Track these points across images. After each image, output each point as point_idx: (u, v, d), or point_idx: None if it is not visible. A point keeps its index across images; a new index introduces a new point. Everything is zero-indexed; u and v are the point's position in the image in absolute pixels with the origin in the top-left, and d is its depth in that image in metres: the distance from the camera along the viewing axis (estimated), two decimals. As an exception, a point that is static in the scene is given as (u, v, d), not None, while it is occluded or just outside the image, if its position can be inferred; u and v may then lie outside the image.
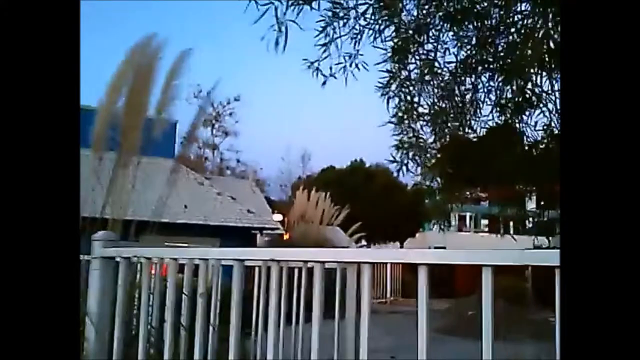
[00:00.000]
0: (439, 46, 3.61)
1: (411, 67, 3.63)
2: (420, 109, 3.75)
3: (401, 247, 33.25)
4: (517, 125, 3.78)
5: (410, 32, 3.52)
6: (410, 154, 3.67)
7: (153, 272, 2.51)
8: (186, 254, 2.36)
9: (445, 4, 3.49)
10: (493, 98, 3.77)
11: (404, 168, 3.66)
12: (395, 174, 3.93)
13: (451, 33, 3.58)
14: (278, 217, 20.74)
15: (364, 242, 29.25)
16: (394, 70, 3.61)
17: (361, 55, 3.58)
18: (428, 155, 3.80)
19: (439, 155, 3.79)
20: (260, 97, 47.41)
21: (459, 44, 3.63)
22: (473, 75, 3.75)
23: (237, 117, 37.49)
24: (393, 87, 3.58)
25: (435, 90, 3.68)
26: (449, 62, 3.66)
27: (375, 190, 27.82)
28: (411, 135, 3.70)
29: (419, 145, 3.70)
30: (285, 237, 18.72)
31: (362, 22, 3.52)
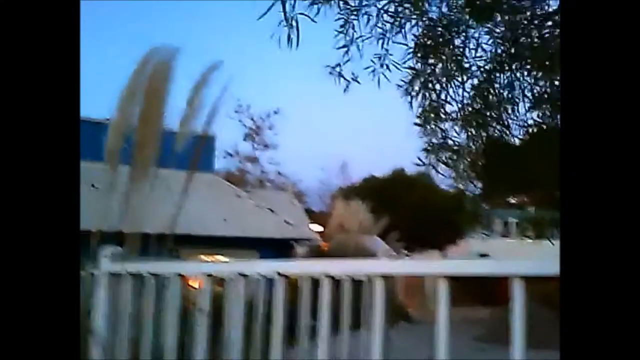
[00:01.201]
0: (469, 42, 3.41)
1: (438, 64, 3.43)
2: (449, 108, 3.56)
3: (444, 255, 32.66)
4: (556, 122, 3.54)
5: (438, 28, 3.33)
6: (442, 156, 3.47)
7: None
8: (192, 269, 2.24)
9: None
10: (529, 95, 3.54)
11: (434, 171, 3.47)
12: (437, 182, 3.73)
13: (482, 28, 3.37)
14: (317, 227, 20.66)
15: (404, 251, 28.87)
16: (417, 68, 3.42)
17: (391, 55, 3.41)
18: (463, 158, 3.59)
19: (473, 159, 3.57)
20: (299, 109, 47.53)
21: (490, 39, 3.42)
22: (507, 72, 3.53)
23: (277, 130, 37.68)
24: (417, 86, 3.39)
25: (466, 88, 3.47)
26: (479, 57, 3.45)
27: (416, 198, 27.42)
28: (440, 136, 3.50)
29: (449, 147, 3.50)
30: (325, 246, 18.59)
31: (386, 17, 3.34)
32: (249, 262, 2.09)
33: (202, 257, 14.40)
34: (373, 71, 3.46)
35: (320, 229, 20.27)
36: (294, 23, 3.12)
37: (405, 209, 26.40)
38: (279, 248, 14.16)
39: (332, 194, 33.43)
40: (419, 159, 3.44)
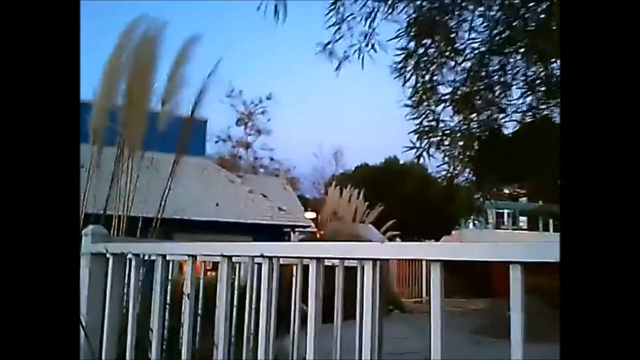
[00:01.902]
0: (463, 24, 3.30)
1: (431, 44, 3.31)
2: (441, 90, 3.44)
3: (437, 245, 32.66)
4: (550, 109, 3.45)
5: (432, 9, 3.22)
6: (433, 140, 3.36)
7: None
8: (174, 250, 2.15)
9: None
10: (523, 80, 3.43)
11: (425, 154, 3.35)
12: (430, 169, 3.61)
13: (476, 11, 3.26)
14: (311, 214, 20.62)
15: (398, 240, 28.88)
16: (410, 48, 3.31)
17: (377, 34, 3.31)
18: (455, 142, 3.47)
19: (465, 143, 3.47)
20: (291, 95, 47.29)
21: (484, 22, 3.31)
22: (501, 55, 3.42)
23: (270, 115, 37.58)
24: (409, 67, 3.28)
25: (458, 71, 3.36)
26: (474, 39, 3.34)
27: (410, 187, 27.41)
28: (431, 118, 3.39)
29: (441, 130, 3.38)
30: (318, 235, 18.55)
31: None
32: (234, 244, 1.99)
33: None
34: (359, 49, 3.35)
35: (313, 216, 20.23)
36: None
37: (399, 198, 26.40)
38: (273, 234, 14.10)
39: (326, 181, 33.47)
40: (411, 142, 3.33)
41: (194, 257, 2.10)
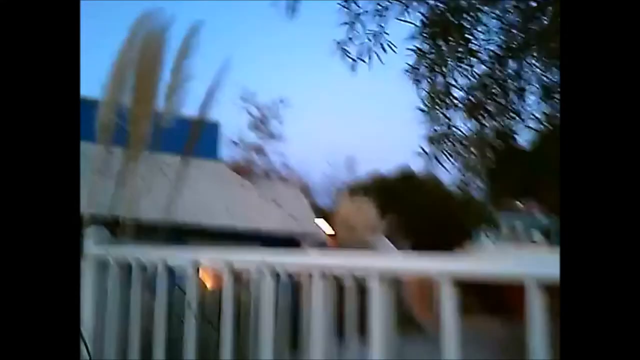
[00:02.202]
0: (477, 26, 3.17)
1: (444, 45, 3.19)
2: (454, 95, 3.31)
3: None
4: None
5: (446, 11, 3.10)
6: (446, 147, 3.23)
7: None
8: (173, 256, 2.05)
9: None
10: (539, 86, 3.30)
11: (435, 161, 3.22)
12: (442, 178, 3.47)
13: (491, 13, 3.14)
14: (322, 223, 20.48)
15: (411, 252, 28.63)
16: (423, 50, 3.18)
17: (387, 33, 3.19)
18: (468, 149, 3.33)
19: (479, 151, 3.33)
20: (305, 98, 47.21)
21: (500, 26, 3.18)
22: (516, 60, 3.29)
23: (282, 119, 37.52)
24: (422, 69, 3.16)
25: (473, 74, 3.23)
26: (487, 40, 3.21)
27: (423, 197, 27.18)
28: (444, 124, 3.26)
29: (454, 137, 3.25)
30: (328, 244, 18.40)
31: None
32: (238, 251, 1.89)
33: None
34: (368, 49, 3.24)
35: (325, 224, 20.11)
36: None
37: (412, 209, 26.17)
38: (283, 242, 13.98)
39: (338, 190, 33.31)
40: (422, 148, 3.20)
41: (197, 264, 2.00)
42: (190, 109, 3.93)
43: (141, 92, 3.63)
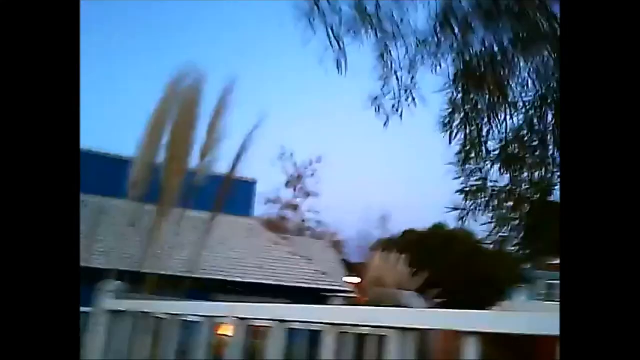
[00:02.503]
0: (514, 77, 3.14)
1: (479, 96, 3.14)
2: (489, 147, 3.24)
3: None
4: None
5: (480, 60, 3.08)
6: (480, 201, 3.12)
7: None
8: (189, 310, 2.01)
9: (520, 29, 3.03)
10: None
11: (469, 217, 3.11)
12: (477, 235, 3.34)
13: (529, 63, 3.10)
14: (353, 279, 20.20)
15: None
16: (457, 102, 3.14)
17: (419, 88, 3.16)
18: (502, 203, 3.23)
19: (515, 206, 3.23)
20: (341, 156, 47.54)
21: (537, 76, 3.14)
22: (554, 111, 3.22)
23: (319, 178, 37.88)
24: (456, 121, 3.11)
25: (509, 125, 3.16)
26: (524, 90, 3.15)
27: (456, 254, 26.66)
28: (478, 177, 3.17)
29: (488, 191, 3.15)
30: (361, 300, 18.07)
31: (420, 47, 3.11)
32: (248, 306, 1.85)
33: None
34: (398, 102, 3.21)
35: (356, 281, 19.83)
36: (341, 46, 2.90)
37: (445, 265, 25.66)
38: (313, 298, 13.79)
39: (371, 246, 32.99)
40: (454, 205, 3.10)
41: (212, 319, 1.95)
42: (223, 166, 3.97)
43: (175, 150, 3.67)
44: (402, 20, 3.04)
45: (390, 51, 3.09)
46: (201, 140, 3.78)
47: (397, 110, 3.18)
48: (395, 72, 3.13)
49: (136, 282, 2.98)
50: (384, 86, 3.17)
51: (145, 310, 2.26)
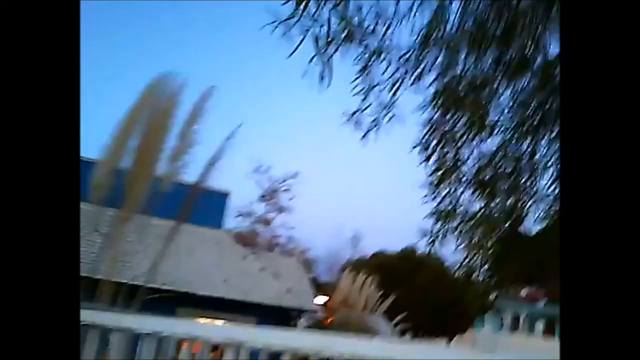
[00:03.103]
0: (492, 102, 3.09)
1: (458, 118, 3.08)
2: (464, 171, 3.17)
3: (449, 344, 31.52)
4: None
5: (461, 82, 3.03)
6: (450, 225, 3.05)
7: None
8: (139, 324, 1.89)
9: (503, 55, 2.99)
10: (553, 168, 3.18)
11: (438, 242, 3.02)
12: (447, 261, 3.23)
13: (507, 89, 3.07)
14: (321, 299, 20.03)
15: (409, 336, 27.84)
16: (434, 122, 3.07)
17: (397, 106, 3.09)
18: (472, 230, 3.16)
19: (485, 232, 3.16)
20: (318, 173, 47.53)
21: (516, 101, 3.10)
22: (530, 138, 3.18)
23: (294, 193, 37.64)
24: (433, 142, 3.04)
25: (483, 150, 3.11)
26: (502, 116, 3.10)
27: (426, 279, 26.72)
28: (449, 202, 3.09)
29: (460, 215, 3.07)
30: (327, 321, 17.92)
31: (402, 68, 3.05)
32: (197, 324, 1.73)
33: (199, 319, 13.86)
34: (374, 121, 3.13)
35: (324, 300, 19.68)
36: (326, 60, 2.81)
37: (414, 290, 25.68)
38: (279, 317, 13.59)
39: (341, 266, 32.87)
40: (423, 230, 3.02)
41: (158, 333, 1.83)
42: (194, 175, 3.85)
43: (143, 155, 3.55)
44: (384, 36, 2.98)
45: (371, 66, 3.02)
46: (172, 147, 3.66)
47: (376, 128, 3.11)
48: (374, 87, 3.05)
49: (89, 290, 2.83)
50: (363, 100, 3.09)
51: (97, 323, 2.12)
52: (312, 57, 2.84)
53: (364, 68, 3.01)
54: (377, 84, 3.04)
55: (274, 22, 2.80)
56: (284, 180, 37.13)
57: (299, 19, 2.98)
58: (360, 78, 3.06)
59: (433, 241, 2.97)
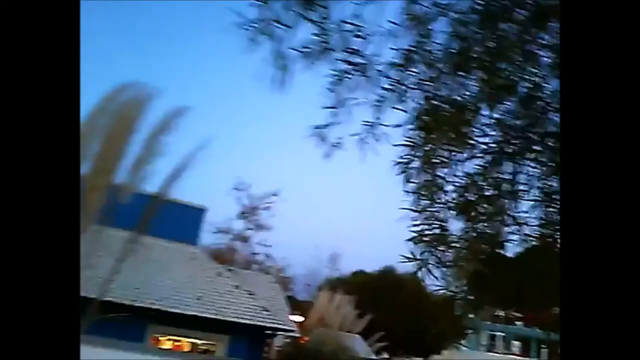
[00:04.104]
0: (475, 123, 2.96)
1: (437, 140, 2.92)
2: (444, 196, 3.02)
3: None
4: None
5: (444, 105, 2.89)
6: (429, 247, 2.88)
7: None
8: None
9: (489, 76, 2.85)
10: (535, 192, 3.05)
11: (427, 269, 2.85)
12: (426, 282, 3.09)
13: (489, 114, 2.94)
14: (297, 318, 19.76)
15: (385, 355, 27.61)
16: (414, 142, 2.92)
17: (383, 124, 2.92)
18: (451, 251, 3.01)
19: (467, 257, 3.02)
20: (298, 191, 47.32)
21: (498, 127, 2.97)
22: (512, 163, 3.05)
23: (273, 211, 37.36)
24: (414, 163, 2.88)
25: (465, 173, 2.96)
26: (486, 142, 2.96)
27: (404, 299, 26.56)
28: (432, 225, 2.92)
29: (439, 238, 2.91)
30: (303, 340, 17.64)
31: (385, 84, 2.89)
32: None
33: (164, 337, 13.51)
34: (361, 140, 2.97)
35: (300, 319, 19.40)
36: (286, 64, 2.63)
37: (391, 310, 25.51)
38: (253, 336, 13.31)
39: (319, 285, 32.63)
40: (409, 256, 2.84)
41: None
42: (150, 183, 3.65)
43: (103, 162, 3.35)
44: (359, 50, 2.83)
45: (347, 80, 2.86)
46: (135, 156, 3.45)
47: (358, 148, 2.95)
48: (348, 105, 2.89)
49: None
50: (332, 117, 2.92)
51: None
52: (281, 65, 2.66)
53: (339, 81, 2.86)
54: (350, 99, 2.88)
55: (243, 26, 2.62)
56: (265, 198, 36.97)
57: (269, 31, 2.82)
58: (335, 93, 2.90)
59: (414, 263, 2.80)
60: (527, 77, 3.09)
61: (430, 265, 2.94)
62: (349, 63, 2.87)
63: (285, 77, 2.61)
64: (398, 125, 2.97)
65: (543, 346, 35.82)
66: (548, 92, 2.96)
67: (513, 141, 3.03)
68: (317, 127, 2.94)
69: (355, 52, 2.85)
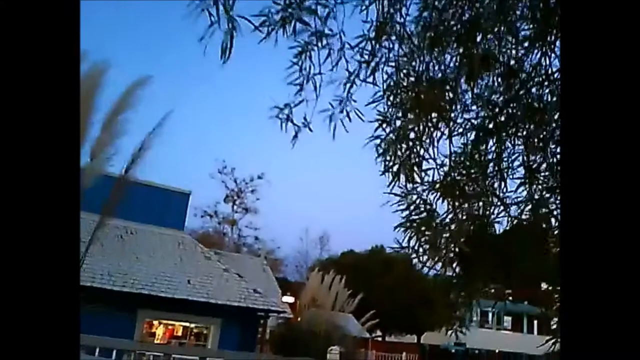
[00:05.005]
0: (456, 103, 2.86)
1: (415, 117, 2.81)
2: (430, 175, 2.93)
3: (418, 340, 31.62)
4: (553, 203, 2.98)
5: (417, 77, 2.79)
6: (417, 228, 2.80)
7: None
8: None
9: (466, 49, 2.75)
10: (521, 169, 2.97)
11: (421, 257, 2.77)
12: (416, 262, 3.01)
13: (469, 89, 2.84)
14: (288, 299, 19.81)
15: (378, 333, 27.83)
16: (389, 118, 2.81)
17: (355, 101, 2.80)
18: (441, 233, 2.93)
19: (453, 236, 2.95)
20: (285, 174, 47.16)
21: (479, 103, 2.88)
22: (496, 139, 2.97)
23: (259, 194, 37.32)
24: (391, 143, 2.78)
25: (448, 153, 2.87)
26: (468, 119, 2.86)
27: (394, 278, 26.70)
28: (422, 209, 2.83)
29: (431, 224, 2.82)
30: (295, 320, 17.70)
31: (355, 55, 2.77)
32: None
33: (157, 321, 13.48)
34: (331, 117, 2.85)
35: (291, 300, 19.46)
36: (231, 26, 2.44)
37: (383, 289, 25.66)
38: (245, 318, 13.30)
39: (309, 266, 32.75)
40: (398, 243, 2.75)
41: None
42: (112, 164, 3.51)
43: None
44: (326, 19, 2.68)
45: (311, 55, 2.71)
46: (94, 138, 3.30)
47: (330, 126, 2.83)
48: (314, 80, 2.76)
49: None
50: (297, 94, 2.78)
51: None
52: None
53: (300, 54, 2.71)
54: (317, 73, 2.74)
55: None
56: (251, 180, 36.87)
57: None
58: (296, 65, 2.76)
59: (402, 243, 2.72)
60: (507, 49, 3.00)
61: (414, 241, 2.87)
62: (314, 34, 2.73)
63: (231, 44, 2.44)
64: (371, 102, 2.86)
65: (533, 320, 36.26)
66: (529, 65, 2.88)
67: (496, 118, 2.94)
68: (277, 107, 2.80)
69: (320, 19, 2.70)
